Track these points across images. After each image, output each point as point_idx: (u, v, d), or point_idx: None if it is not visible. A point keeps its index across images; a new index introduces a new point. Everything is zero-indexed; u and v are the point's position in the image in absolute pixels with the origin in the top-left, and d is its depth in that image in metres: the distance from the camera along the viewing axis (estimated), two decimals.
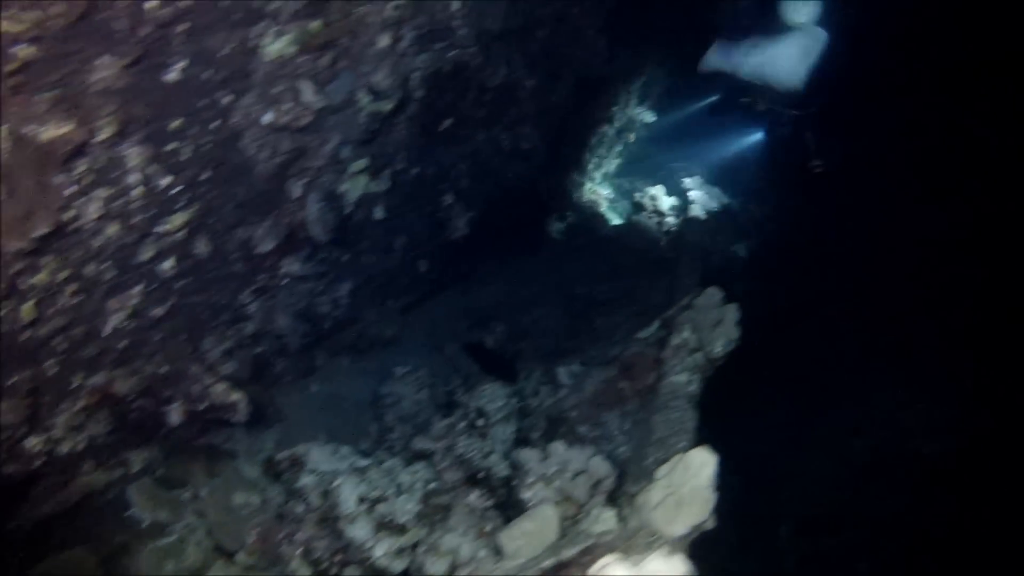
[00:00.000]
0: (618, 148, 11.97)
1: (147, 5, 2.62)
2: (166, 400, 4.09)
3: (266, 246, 4.38)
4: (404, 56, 4.47)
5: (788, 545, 7.94)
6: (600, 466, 3.52)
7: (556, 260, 9.48)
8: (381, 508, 3.98)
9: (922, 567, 7.06)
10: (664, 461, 3.30)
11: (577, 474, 3.55)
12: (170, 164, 3.26)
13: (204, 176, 3.53)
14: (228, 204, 3.88)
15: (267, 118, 3.71)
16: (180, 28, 2.85)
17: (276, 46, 3.44)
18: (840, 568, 7.64)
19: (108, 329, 3.58)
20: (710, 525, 2.88)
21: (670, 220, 10.30)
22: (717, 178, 11.93)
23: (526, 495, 3.56)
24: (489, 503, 3.83)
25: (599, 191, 11.71)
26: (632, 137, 12.25)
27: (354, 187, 4.92)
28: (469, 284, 8.50)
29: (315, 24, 3.57)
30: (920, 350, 7.70)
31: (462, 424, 4.76)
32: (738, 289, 10.40)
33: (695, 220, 9.94)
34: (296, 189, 4.32)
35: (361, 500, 3.94)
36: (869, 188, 8.47)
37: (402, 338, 7.02)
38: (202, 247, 3.91)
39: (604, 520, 2.98)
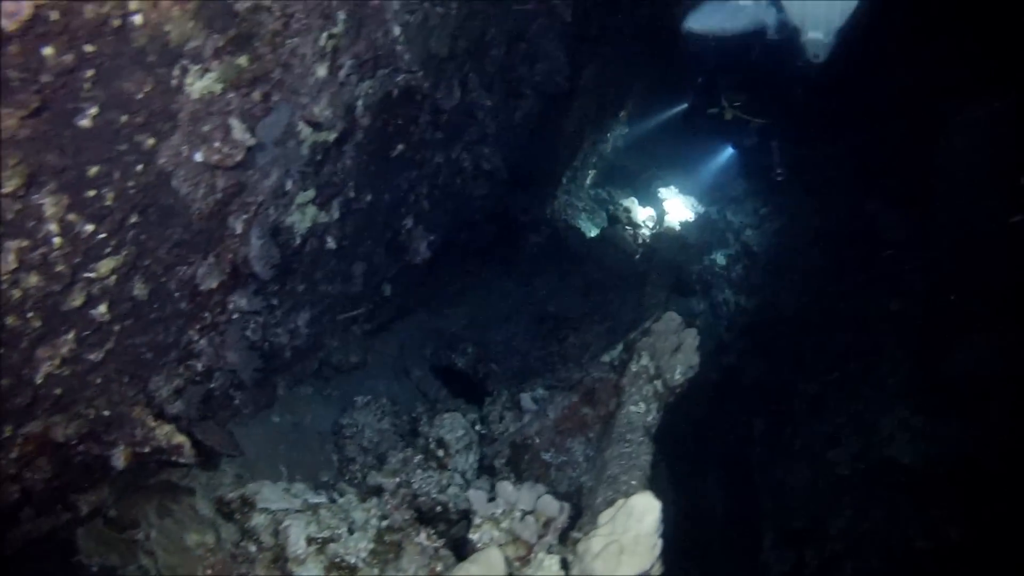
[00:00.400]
0: (593, 160, 11.96)
1: (45, 52, 2.54)
2: (110, 444, 3.99)
3: (210, 283, 4.29)
4: (345, 85, 4.40)
5: (771, 557, 7.87)
6: (549, 505, 3.43)
7: (528, 277, 9.43)
8: (332, 548, 3.88)
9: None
10: (612, 502, 3.23)
11: (526, 514, 3.46)
12: (92, 211, 3.17)
13: (133, 220, 3.44)
14: (163, 245, 3.78)
15: (199, 157, 3.62)
16: (87, 73, 2.77)
17: (201, 84, 3.36)
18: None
19: (39, 378, 3.48)
20: (656, 572, 2.79)
21: (644, 232, 10.25)
22: (693, 186, 11.93)
23: (473, 536, 3.46)
24: (440, 542, 3.74)
25: (575, 203, 11.68)
26: (607, 148, 12.24)
27: (302, 219, 4.84)
28: (439, 304, 8.44)
29: (242, 59, 3.50)
30: (895, 357, 7.65)
31: (418, 458, 4.67)
32: (715, 298, 10.44)
33: (669, 231, 9.90)
34: (238, 225, 4.24)
35: (310, 541, 3.84)
36: (833, 195, 8.44)
37: (368, 363, 6.95)
38: (139, 289, 3.81)
39: (547, 567, 2.90)
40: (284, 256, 4.89)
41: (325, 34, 3.93)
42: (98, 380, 3.88)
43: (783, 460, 8.10)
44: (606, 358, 5.68)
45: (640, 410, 4.16)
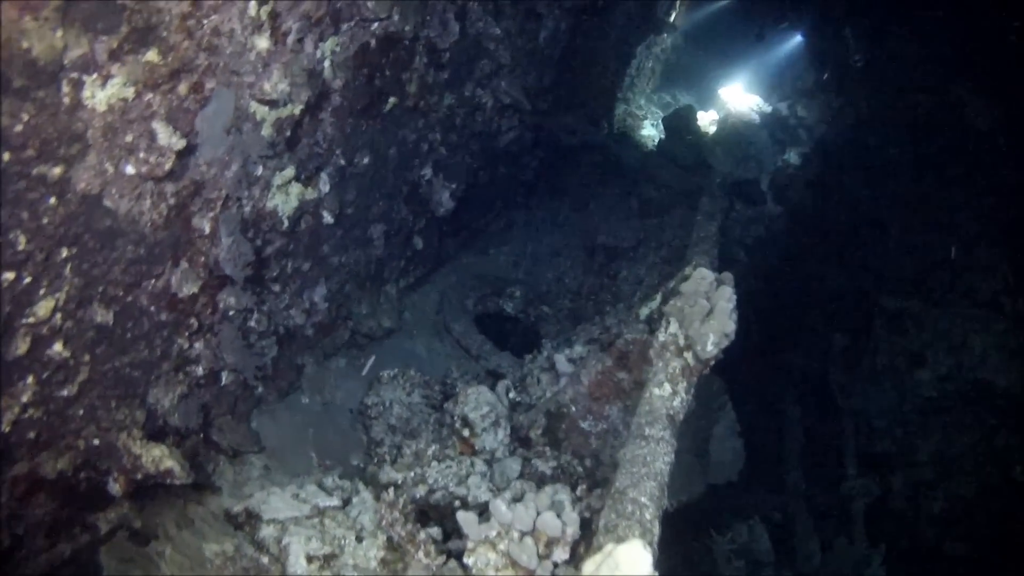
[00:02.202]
0: (649, 64, 10.95)
1: None
2: (105, 471, 3.84)
3: (189, 288, 4.00)
4: (299, 51, 3.89)
5: (856, 485, 7.34)
6: (550, 524, 3.06)
7: (583, 202, 8.81)
8: (336, 564, 3.66)
9: (995, 508, 6.36)
10: (613, 528, 2.81)
11: (525, 535, 3.10)
12: (5, 260, 2.86)
13: (63, 255, 3.13)
14: (116, 267, 3.48)
15: (130, 169, 3.24)
16: None
17: (105, 94, 2.94)
18: (909, 508, 7.02)
19: (5, 426, 3.30)
20: None
21: (706, 138, 9.36)
22: (761, 81, 10.81)
23: (469, 561, 3.14)
24: (440, 560, 3.44)
25: (635, 113, 10.83)
26: (664, 48, 11.19)
27: (286, 200, 4.45)
28: (484, 245, 8.00)
29: (151, 55, 3.04)
30: (987, 263, 6.73)
31: (432, 448, 4.35)
32: (790, 201, 9.54)
33: (731, 135, 8.99)
34: (205, 224, 3.89)
35: (311, 559, 3.62)
36: (914, 83, 7.34)
37: (405, 325, 6.65)
38: (101, 315, 3.55)
39: None
40: (273, 241, 4.56)
41: (253, 2, 3.40)
42: (80, 412, 3.69)
43: (865, 380, 7.43)
44: (645, 309, 5.16)
45: (665, 393, 3.66)
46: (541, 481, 4.59)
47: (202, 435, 4.70)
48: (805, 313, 9.19)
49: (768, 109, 10.19)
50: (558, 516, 3.09)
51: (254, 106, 3.80)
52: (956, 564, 6.75)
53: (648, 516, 2.84)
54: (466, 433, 4.64)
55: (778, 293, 9.40)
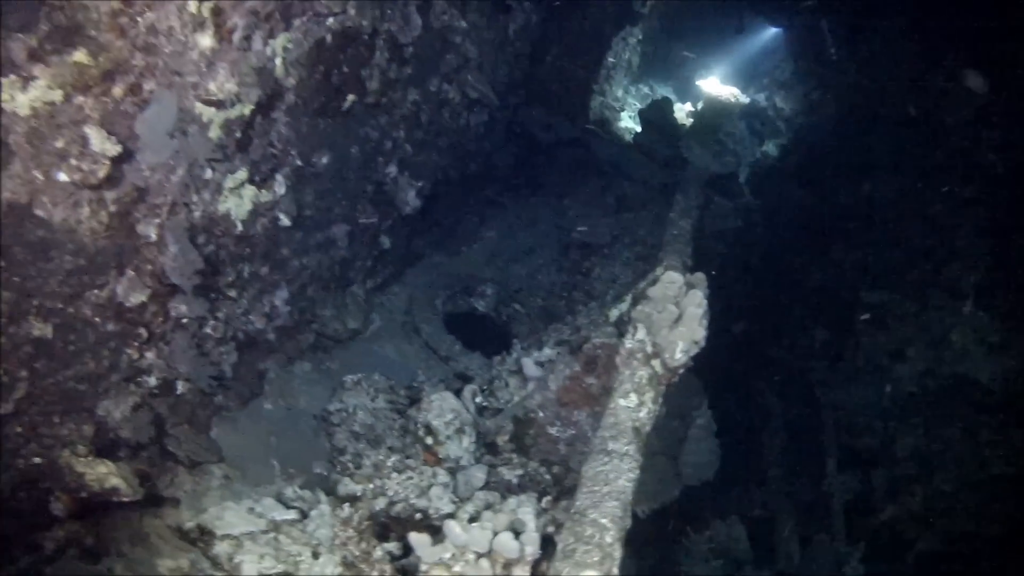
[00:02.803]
0: (626, 56, 10.78)
1: None
2: (48, 491, 3.68)
3: (136, 298, 3.83)
4: (246, 49, 3.71)
5: (835, 483, 7.27)
6: (507, 546, 2.92)
7: (558, 198, 8.66)
8: None
9: (975, 504, 6.29)
10: (571, 554, 2.68)
11: (481, 556, 2.97)
12: None
13: None
14: (51, 278, 3.32)
15: (62, 176, 3.07)
16: None
17: (27, 97, 2.77)
18: (889, 504, 6.95)
19: None
20: None
21: (683, 130, 9.23)
22: (739, 71, 10.68)
23: None
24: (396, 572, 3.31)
25: (612, 105, 10.66)
26: (640, 39, 11.02)
27: (240, 203, 4.28)
28: (456, 243, 7.84)
29: (79, 55, 2.87)
30: (969, 255, 6.64)
31: (393, 459, 4.21)
32: (768, 194, 9.43)
33: (707, 126, 8.85)
34: (151, 231, 3.71)
35: None
36: (893, 74, 7.22)
37: (371, 327, 6.50)
38: (39, 329, 3.38)
39: None
40: (227, 246, 4.39)
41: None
42: (18, 430, 3.53)
43: (846, 375, 7.34)
44: (615, 311, 5.03)
45: (630, 404, 3.52)
46: (508, 490, 4.47)
47: (158, 446, 4.55)
48: (786, 307, 9.11)
49: (746, 100, 10.07)
50: (516, 537, 2.96)
51: (200, 108, 3.63)
52: (935, 561, 6.70)
53: (609, 539, 2.71)
54: (430, 441, 4.51)
55: (758, 287, 9.31)
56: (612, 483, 3.00)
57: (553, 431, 4.71)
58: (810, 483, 7.58)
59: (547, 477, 4.50)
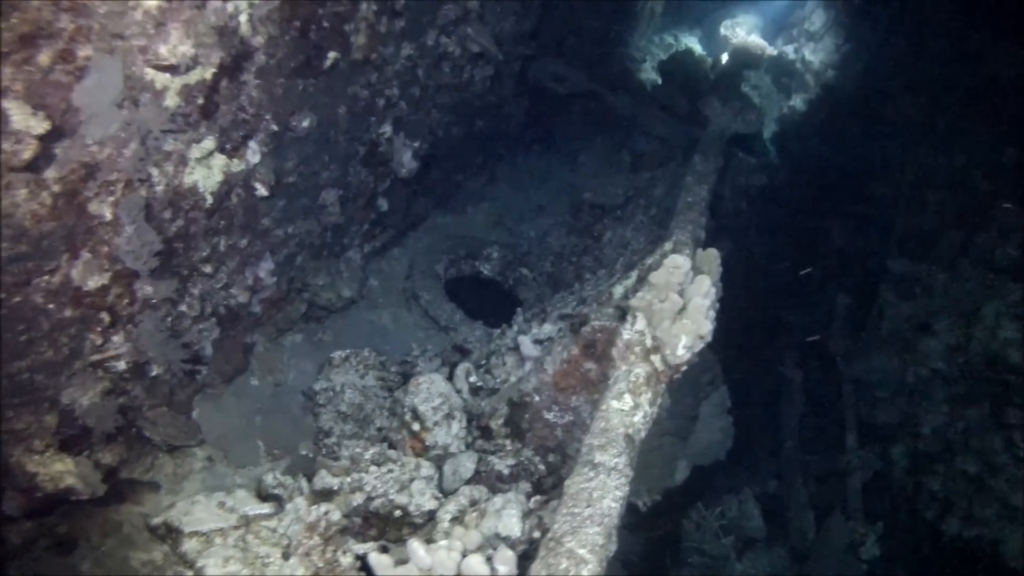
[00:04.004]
0: (648, 3, 10.10)
1: None
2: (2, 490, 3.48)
3: (96, 281, 3.57)
4: (200, 8, 3.34)
5: (854, 459, 6.95)
6: (476, 570, 2.66)
7: (570, 154, 8.24)
8: None
9: (999, 487, 5.95)
10: None
11: None
12: None
13: None
14: None
15: None
16: None
17: None
18: (909, 483, 6.63)
19: None
20: None
21: (705, 84, 8.66)
22: (768, 23, 10.01)
23: None
24: None
25: (634, 56, 10.06)
26: None
27: (208, 174, 3.96)
28: (462, 203, 7.49)
29: None
30: (1005, 224, 6.15)
31: (372, 452, 3.94)
32: (793, 151, 8.91)
33: (732, 80, 8.29)
34: (105, 210, 3.41)
35: None
36: (930, 26, 6.61)
37: (372, 292, 6.22)
38: None
39: None
40: (198, 220, 4.09)
41: None
42: None
43: (868, 346, 6.96)
44: (619, 288, 4.68)
45: (624, 407, 3.19)
46: (499, 480, 4.22)
47: (134, 431, 4.35)
48: (807, 270, 8.68)
49: (773, 53, 9.44)
50: (488, 560, 2.68)
51: (151, 74, 3.28)
52: (955, 544, 6.41)
53: (586, 574, 2.42)
54: (416, 427, 4.25)
55: (781, 247, 8.88)
56: (596, 504, 2.69)
57: (550, 416, 4.42)
58: (828, 458, 7.28)
59: (541, 467, 4.23)
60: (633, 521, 5.28)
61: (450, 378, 4.87)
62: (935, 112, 6.61)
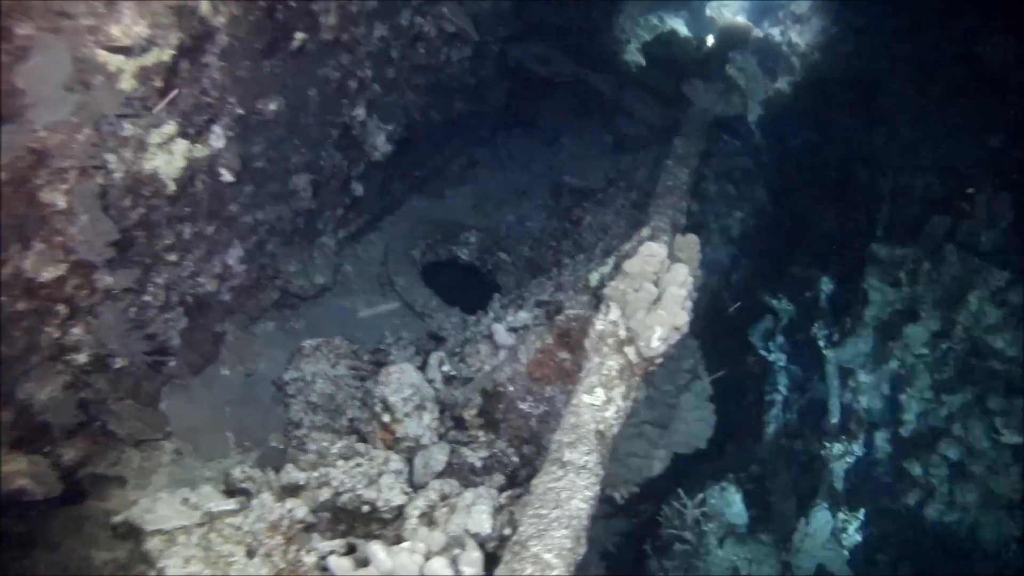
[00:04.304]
0: None
1: None
2: None
3: (52, 272, 3.44)
4: None
5: (835, 446, 6.91)
6: (439, 572, 2.57)
7: (552, 137, 8.11)
8: None
9: (981, 473, 5.93)
10: None
11: None
12: None
13: None
14: None
15: None
16: None
17: None
18: (892, 470, 6.61)
19: None
20: None
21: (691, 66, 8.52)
22: (756, 2, 9.88)
23: None
24: None
25: (619, 38, 9.89)
26: None
27: (170, 160, 3.81)
28: (440, 186, 7.35)
29: None
30: (991, 209, 6.07)
31: (339, 445, 3.84)
32: (780, 134, 8.80)
33: (716, 61, 8.15)
34: (58, 199, 3.28)
35: None
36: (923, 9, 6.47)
37: (347, 279, 6.11)
38: None
39: None
40: (160, 207, 3.95)
41: None
42: None
43: (853, 331, 6.89)
44: (595, 275, 4.58)
45: (596, 401, 3.10)
46: (471, 473, 4.14)
47: (98, 425, 4.23)
48: (793, 253, 8.60)
49: (759, 35, 9.30)
50: (454, 561, 2.60)
51: (103, 56, 3.13)
52: (936, 529, 6.39)
53: None
54: (386, 419, 4.15)
55: (766, 230, 8.79)
56: (564, 505, 2.60)
57: (524, 407, 4.34)
58: (811, 444, 7.23)
59: (515, 459, 4.15)
60: (611, 511, 5.22)
61: (423, 367, 4.77)
62: (922, 96, 6.51)
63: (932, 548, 6.53)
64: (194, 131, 3.89)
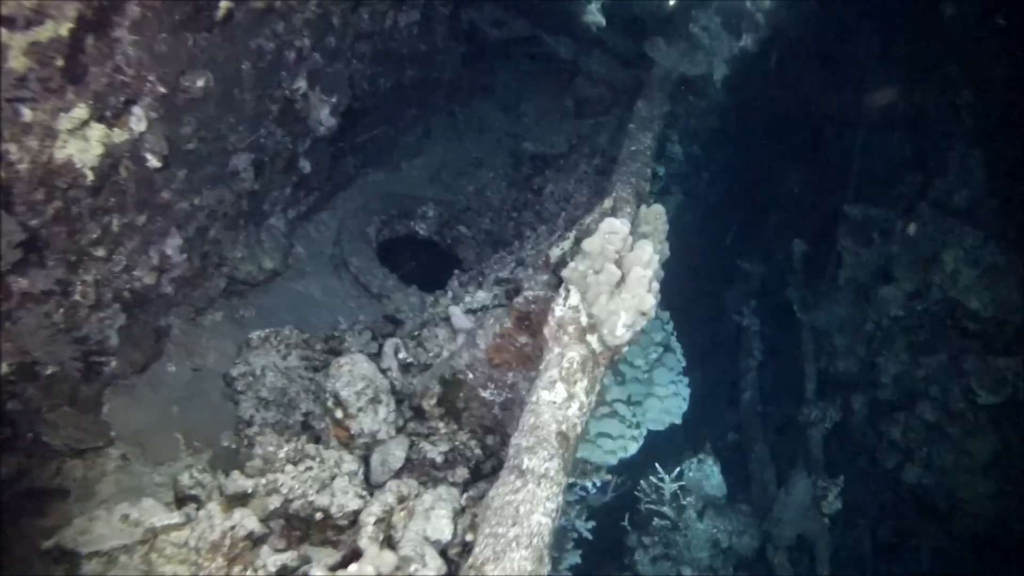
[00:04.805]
0: None
1: None
2: None
3: None
4: None
5: (813, 410, 6.79)
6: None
7: (511, 101, 7.78)
8: None
9: (957, 434, 5.83)
10: None
11: None
12: None
13: None
14: None
15: None
16: None
17: None
18: (869, 432, 6.50)
19: None
20: None
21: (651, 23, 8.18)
22: None
23: None
24: None
25: None
26: None
27: (86, 147, 3.47)
28: (397, 158, 7.02)
29: None
30: (964, 166, 5.89)
31: (286, 449, 3.57)
32: (745, 94, 8.52)
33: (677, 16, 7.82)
34: None
35: None
36: None
37: (299, 261, 5.80)
38: None
39: None
40: (80, 199, 3.62)
41: None
42: None
43: (827, 294, 6.73)
44: (556, 251, 4.32)
45: (556, 398, 2.84)
46: (432, 468, 3.91)
47: (32, 436, 3.93)
48: (763, 215, 8.42)
49: None
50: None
51: None
52: (915, 492, 6.31)
53: None
54: (339, 415, 3.89)
55: (735, 191, 8.59)
56: (524, 521, 2.36)
57: (486, 394, 4.09)
58: (787, 408, 7.11)
59: (478, 452, 3.92)
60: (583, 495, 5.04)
61: (379, 354, 4.51)
62: (891, 51, 6.26)
63: (911, 511, 6.47)
64: (111, 114, 3.55)
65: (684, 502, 6.42)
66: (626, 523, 6.56)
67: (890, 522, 6.44)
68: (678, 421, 5.63)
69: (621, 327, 2.98)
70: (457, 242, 6.49)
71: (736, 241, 8.44)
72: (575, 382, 2.89)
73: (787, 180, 7.68)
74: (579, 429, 2.78)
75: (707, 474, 6.56)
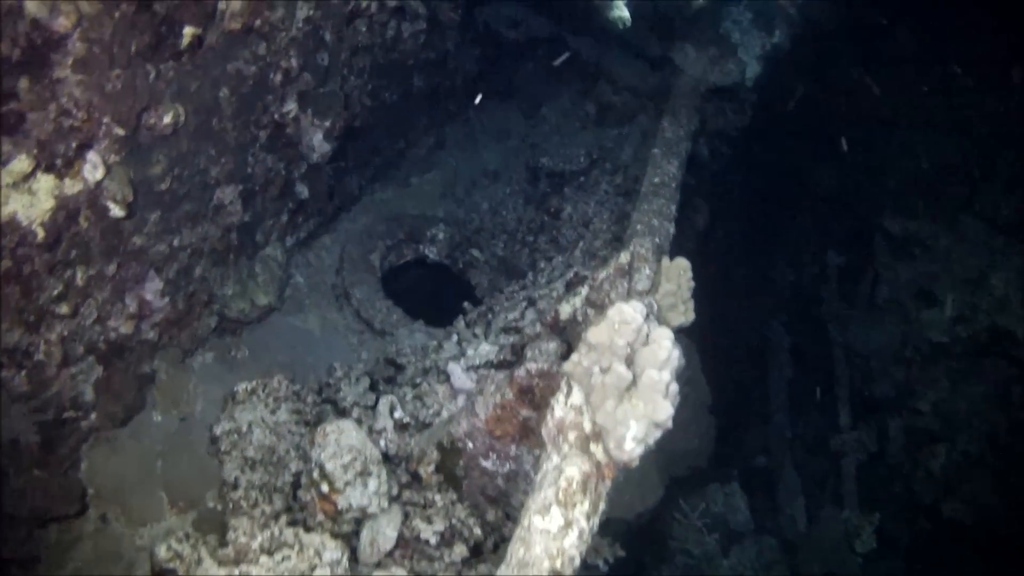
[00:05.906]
0: None
1: None
2: None
3: None
4: None
5: (848, 440, 6.32)
6: None
7: (530, 107, 7.31)
8: None
9: (1003, 468, 5.34)
10: None
11: None
12: None
13: None
14: None
15: None
16: None
17: None
18: (907, 463, 6.03)
19: None
20: None
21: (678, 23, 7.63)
22: None
23: None
24: None
25: None
26: None
27: (32, 202, 3.15)
28: (406, 173, 6.63)
29: None
30: (1014, 179, 5.33)
31: (264, 535, 3.23)
32: (778, 88, 7.95)
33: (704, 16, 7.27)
34: None
35: None
36: None
37: (298, 292, 5.46)
38: None
39: None
40: (31, 258, 3.28)
41: None
42: None
43: (863, 313, 6.22)
44: (567, 307, 3.92)
45: (552, 527, 2.30)
46: (427, 546, 3.55)
47: None
48: (795, 220, 7.89)
49: None
50: None
51: None
52: (955, 529, 5.82)
53: None
54: (325, 488, 3.53)
55: (765, 193, 8.06)
56: None
57: (488, 464, 3.71)
58: (818, 430, 6.65)
59: (477, 532, 3.55)
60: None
61: (374, 407, 4.16)
62: (932, 48, 5.66)
63: (951, 548, 6.00)
64: (60, 163, 3.19)
65: (709, 539, 6.03)
66: (648, 558, 6.19)
67: (927, 560, 5.98)
68: (704, 464, 5.25)
69: (631, 440, 2.53)
70: (469, 266, 6.10)
71: (766, 246, 7.94)
72: (574, 505, 2.47)
73: (818, 181, 7.13)
74: (577, 562, 2.37)
75: (733, 508, 6.14)
